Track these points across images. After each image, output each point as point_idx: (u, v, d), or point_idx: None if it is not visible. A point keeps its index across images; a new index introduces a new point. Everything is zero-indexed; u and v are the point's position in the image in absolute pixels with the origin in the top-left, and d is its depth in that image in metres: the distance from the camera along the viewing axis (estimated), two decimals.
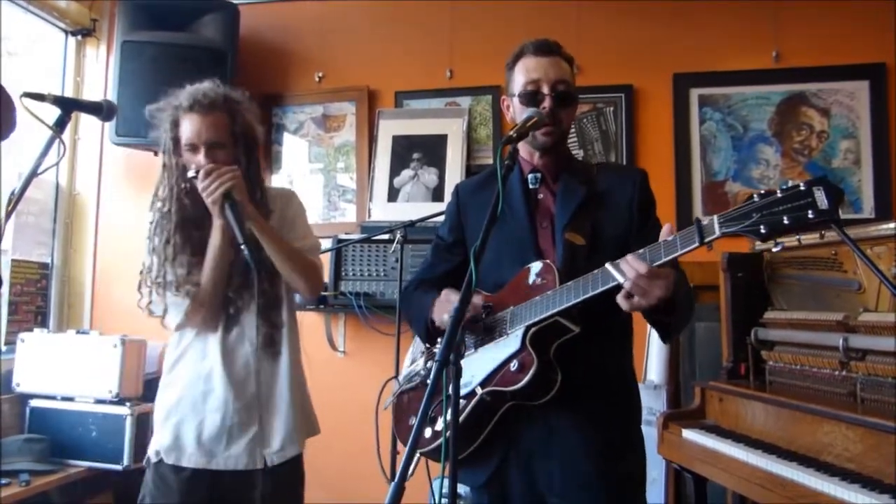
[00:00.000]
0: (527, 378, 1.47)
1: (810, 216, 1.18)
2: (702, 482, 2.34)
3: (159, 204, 1.88)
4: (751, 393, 2.25)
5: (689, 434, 2.30)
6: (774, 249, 1.31)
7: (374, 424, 2.44)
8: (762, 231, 1.23)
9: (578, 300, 1.45)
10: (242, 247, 1.73)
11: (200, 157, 1.81)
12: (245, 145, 1.90)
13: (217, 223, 1.82)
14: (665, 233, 1.38)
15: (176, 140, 1.85)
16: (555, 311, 1.48)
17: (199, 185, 1.78)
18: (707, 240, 1.29)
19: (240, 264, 1.85)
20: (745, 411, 2.25)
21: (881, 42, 3.06)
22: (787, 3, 3.19)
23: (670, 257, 1.34)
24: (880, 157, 3.08)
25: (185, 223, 1.85)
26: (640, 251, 1.38)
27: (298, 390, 1.97)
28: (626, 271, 1.35)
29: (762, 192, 1.25)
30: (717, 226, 1.28)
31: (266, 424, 1.87)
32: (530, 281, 1.57)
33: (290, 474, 1.90)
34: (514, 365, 1.51)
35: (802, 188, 1.20)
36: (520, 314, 1.54)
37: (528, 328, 1.51)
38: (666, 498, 2.88)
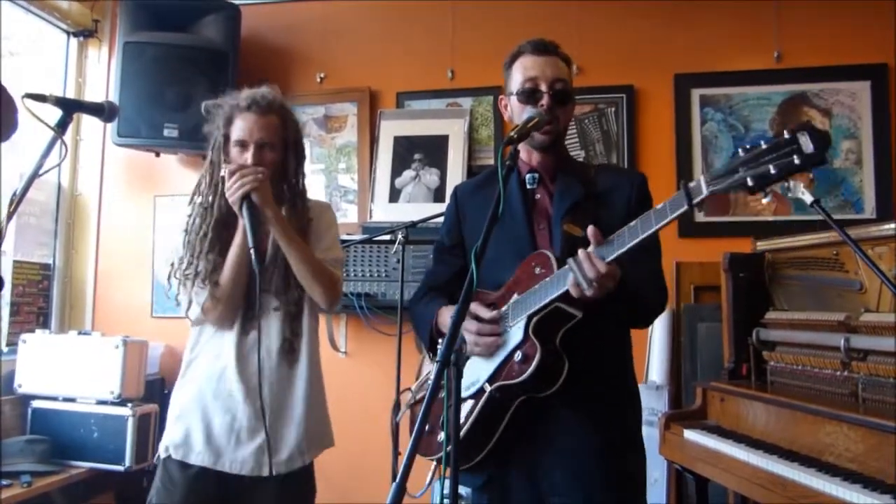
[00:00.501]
0: (531, 368, 1.45)
1: (797, 162, 1.17)
2: (703, 483, 2.34)
3: (199, 199, 1.88)
4: (752, 393, 2.25)
5: (690, 434, 2.30)
6: (764, 201, 1.30)
7: (390, 427, 2.45)
8: (749, 184, 1.21)
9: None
10: (251, 250, 1.72)
11: (248, 156, 1.82)
12: (294, 152, 1.92)
13: (241, 223, 1.81)
14: (591, 233, 1.40)
15: (226, 137, 1.86)
16: (553, 296, 1.46)
17: (226, 184, 1.78)
18: (696, 200, 1.29)
19: (269, 267, 1.86)
20: (746, 412, 2.25)
21: (883, 42, 3.06)
22: (788, 3, 3.19)
23: (661, 224, 1.34)
24: (881, 158, 3.08)
25: (220, 220, 1.86)
26: (633, 222, 1.38)
27: (314, 400, 1.93)
28: (586, 271, 1.36)
29: (747, 146, 1.24)
30: (704, 185, 1.28)
31: (276, 433, 1.83)
32: (530, 272, 1.55)
33: (298, 486, 1.86)
34: (518, 356, 1.49)
35: (787, 136, 1.18)
36: (520, 305, 1.53)
37: (529, 318, 1.50)
38: (667, 498, 2.87)
